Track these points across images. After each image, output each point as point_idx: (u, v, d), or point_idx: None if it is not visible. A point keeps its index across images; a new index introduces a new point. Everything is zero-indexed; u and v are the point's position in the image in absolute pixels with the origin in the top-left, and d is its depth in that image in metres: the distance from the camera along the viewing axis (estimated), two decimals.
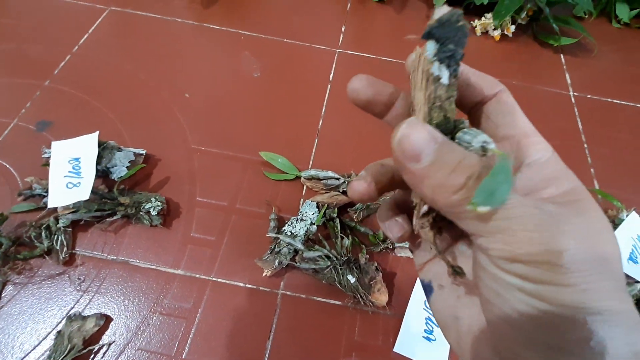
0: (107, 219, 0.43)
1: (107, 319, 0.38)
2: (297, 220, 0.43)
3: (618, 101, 0.62)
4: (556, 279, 0.12)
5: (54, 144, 0.44)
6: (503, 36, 0.69)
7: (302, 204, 0.46)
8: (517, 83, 0.63)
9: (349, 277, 0.39)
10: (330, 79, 0.61)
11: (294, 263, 0.41)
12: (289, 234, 0.42)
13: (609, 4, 0.75)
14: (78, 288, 0.40)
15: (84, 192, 0.40)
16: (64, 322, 0.37)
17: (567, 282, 0.12)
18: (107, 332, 0.38)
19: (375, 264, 0.40)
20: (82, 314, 0.38)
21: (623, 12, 0.74)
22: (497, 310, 0.13)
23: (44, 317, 0.38)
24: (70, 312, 0.38)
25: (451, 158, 0.13)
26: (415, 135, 0.13)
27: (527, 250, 0.12)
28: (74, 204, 0.41)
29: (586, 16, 0.74)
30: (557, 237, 0.12)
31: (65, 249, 0.41)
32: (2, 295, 0.39)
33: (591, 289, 0.12)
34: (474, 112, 0.17)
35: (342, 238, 0.42)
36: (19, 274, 0.40)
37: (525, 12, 0.68)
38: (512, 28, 0.67)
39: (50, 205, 0.40)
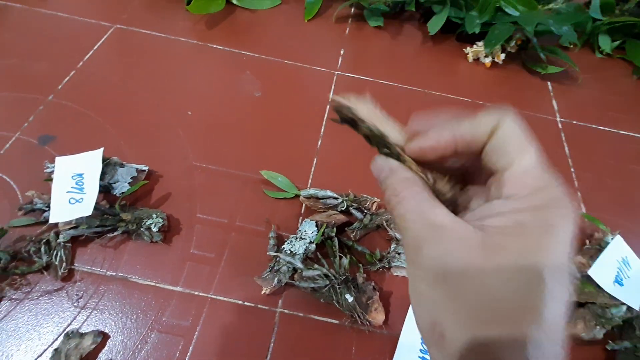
0: (108, 235, 0.44)
1: (105, 337, 0.38)
2: (297, 238, 0.44)
3: (602, 127, 0.66)
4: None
5: (57, 159, 0.45)
6: (494, 63, 0.72)
7: (301, 222, 0.47)
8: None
9: (347, 296, 0.40)
10: (330, 100, 0.63)
11: (292, 281, 0.42)
12: (288, 252, 0.43)
13: (592, 35, 0.79)
14: (76, 304, 0.40)
15: (86, 208, 0.40)
16: (61, 339, 0.37)
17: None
18: (104, 350, 0.38)
19: (373, 284, 0.41)
20: (80, 331, 0.38)
21: (605, 43, 0.78)
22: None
23: (40, 334, 0.38)
24: (68, 329, 0.38)
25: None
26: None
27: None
28: (75, 219, 0.41)
29: (571, 46, 0.78)
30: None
31: (64, 264, 0.41)
32: None
33: None
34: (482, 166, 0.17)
35: (340, 257, 0.43)
36: (16, 289, 0.40)
37: (515, 42, 0.72)
38: (503, 56, 0.71)
39: (52, 220, 0.41)
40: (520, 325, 0.13)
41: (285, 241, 0.45)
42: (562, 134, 0.64)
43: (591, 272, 0.43)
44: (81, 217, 0.41)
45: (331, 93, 0.63)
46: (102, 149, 0.45)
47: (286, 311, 0.42)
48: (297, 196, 0.50)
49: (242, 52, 0.67)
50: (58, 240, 0.42)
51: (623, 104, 0.70)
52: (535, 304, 0.13)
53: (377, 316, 0.40)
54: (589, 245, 0.48)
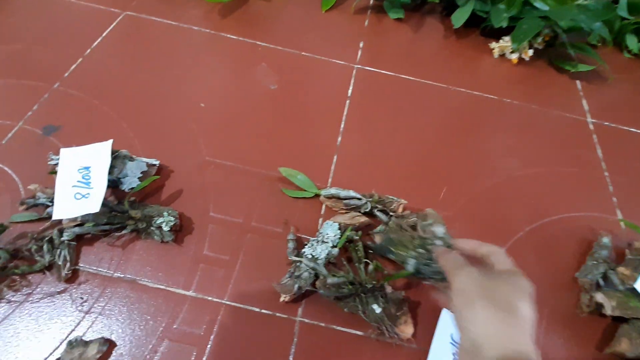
0: (115, 233, 0.40)
1: (111, 345, 0.35)
2: (318, 242, 0.41)
3: (636, 130, 0.62)
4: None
5: (62, 150, 0.41)
6: (520, 60, 0.68)
7: (322, 224, 0.44)
8: (535, 107, 0.63)
9: (374, 306, 0.37)
10: (349, 95, 0.59)
11: (313, 288, 0.39)
12: (310, 256, 0.39)
13: (620, 34, 0.76)
14: (80, 308, 0.37)
15: (93, 205, 0.37)
16: (63, 347, 0.34)
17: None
18: None
19: (403, 293, 0.38)
20: (84, 338, 0.35)
21: (633, 43, 0.75)
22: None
23: (40, 342, 0.35)
24: (71, 336, 0.35)
25: None
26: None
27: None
28: (81, 216, 0.38)
29: (599, 44, 0.75)
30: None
31: (68, 264, 0.38)
32: None
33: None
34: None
35: (367, 264, 0.40)
36: (15, 291, 0.37)
37: (542, 38, 0.68)
38: (530, 52, 0.67)
39: (55, 216, 0.37)
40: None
41: (305, 244, 0.41)
42: (594, 136, 0.60)
43: (638, 285, 0.40)
44: (87, 214, 0.38)
45: (350, 88, 0.60)
46: (111, 140, 0.42)
47: (307, 320, 0.39)
48: (317, 196, 0.47)
49: (257, 42, 0.64)
50: (62, 238, 0.38)
51: None
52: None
53: (406, 329, 0.37)
54: (631, 256, 0.44)
